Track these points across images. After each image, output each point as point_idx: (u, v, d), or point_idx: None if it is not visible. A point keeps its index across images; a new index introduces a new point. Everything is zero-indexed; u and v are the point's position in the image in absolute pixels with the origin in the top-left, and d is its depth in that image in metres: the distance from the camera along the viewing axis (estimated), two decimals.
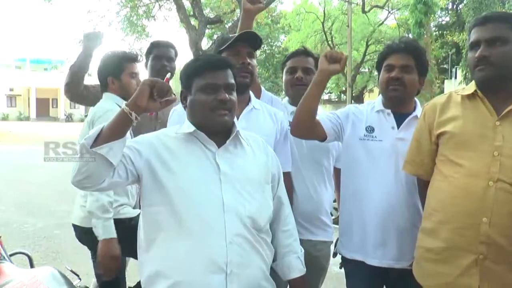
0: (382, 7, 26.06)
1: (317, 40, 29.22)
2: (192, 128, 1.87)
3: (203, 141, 1.88)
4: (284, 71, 2.82)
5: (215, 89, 1.85)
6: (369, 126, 2.41)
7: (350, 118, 2.46)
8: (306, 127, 2.37)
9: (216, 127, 1.88)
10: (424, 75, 2.41)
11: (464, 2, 22.59)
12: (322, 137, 2.43)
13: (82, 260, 5.02)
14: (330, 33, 28.67)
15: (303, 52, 2.79)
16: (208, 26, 13.34)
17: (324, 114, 2.46)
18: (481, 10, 20.03)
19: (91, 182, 1.70)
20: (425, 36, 21.80)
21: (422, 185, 2.21)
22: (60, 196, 8.62)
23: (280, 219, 2.06)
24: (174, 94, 1.71)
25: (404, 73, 2.33)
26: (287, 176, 2.32)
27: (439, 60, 31.11)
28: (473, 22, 2.03)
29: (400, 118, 2.38)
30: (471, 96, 2.00)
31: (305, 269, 2.07)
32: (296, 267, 2.05)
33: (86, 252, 2.85)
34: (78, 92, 3.31)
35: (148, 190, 1.82)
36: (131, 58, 2.94)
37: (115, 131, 1.67)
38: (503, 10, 21.07)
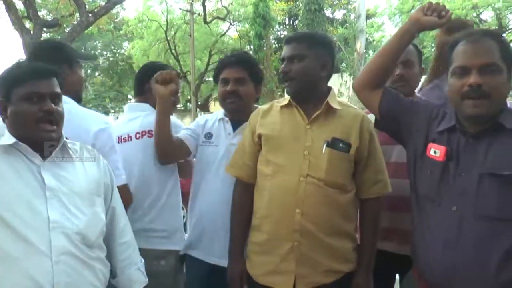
0: (223, 19, 26.80)
1: (161, 48, 28.96)
2: (12, 139, 1.70)
3: (25, 153, 1.72)
4: None
5: (39, 99, 1.72)
6: (208, 133, 2.58)
7: (200, 128, 2.61)
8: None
9: (41, 141, 1.75)
10: (259, 83, 2.61)
11: (299, 18, 24.19)
12: (189, 154, 2.58)
13: None
14: (174, 42, 28.62)
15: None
16: (45, 29, 12.45)
17: (184, 131, 2.57)
18: (313, 27, 21.67)
19: None
20: (265, 48, 22.94)
21: (238, 186, 2.36)
22: None
23: (115, 232, 1.97)
24: None
25: (239, 86, 2.49)
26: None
27: (279, 71, 32.88)
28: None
29: (238, 126, 2.53)
30: (288, 105, 2.23)
31: (147, 280, 2.04)
32: (137, 279, 2.01)
33: None
34: None
35: None
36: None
37: None
38: (331, 28, 23.00)
